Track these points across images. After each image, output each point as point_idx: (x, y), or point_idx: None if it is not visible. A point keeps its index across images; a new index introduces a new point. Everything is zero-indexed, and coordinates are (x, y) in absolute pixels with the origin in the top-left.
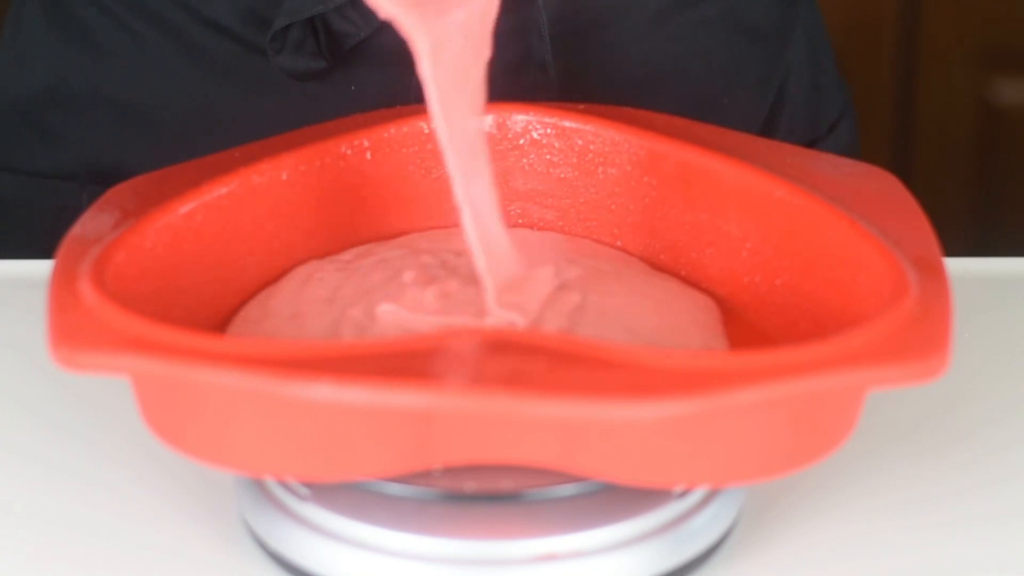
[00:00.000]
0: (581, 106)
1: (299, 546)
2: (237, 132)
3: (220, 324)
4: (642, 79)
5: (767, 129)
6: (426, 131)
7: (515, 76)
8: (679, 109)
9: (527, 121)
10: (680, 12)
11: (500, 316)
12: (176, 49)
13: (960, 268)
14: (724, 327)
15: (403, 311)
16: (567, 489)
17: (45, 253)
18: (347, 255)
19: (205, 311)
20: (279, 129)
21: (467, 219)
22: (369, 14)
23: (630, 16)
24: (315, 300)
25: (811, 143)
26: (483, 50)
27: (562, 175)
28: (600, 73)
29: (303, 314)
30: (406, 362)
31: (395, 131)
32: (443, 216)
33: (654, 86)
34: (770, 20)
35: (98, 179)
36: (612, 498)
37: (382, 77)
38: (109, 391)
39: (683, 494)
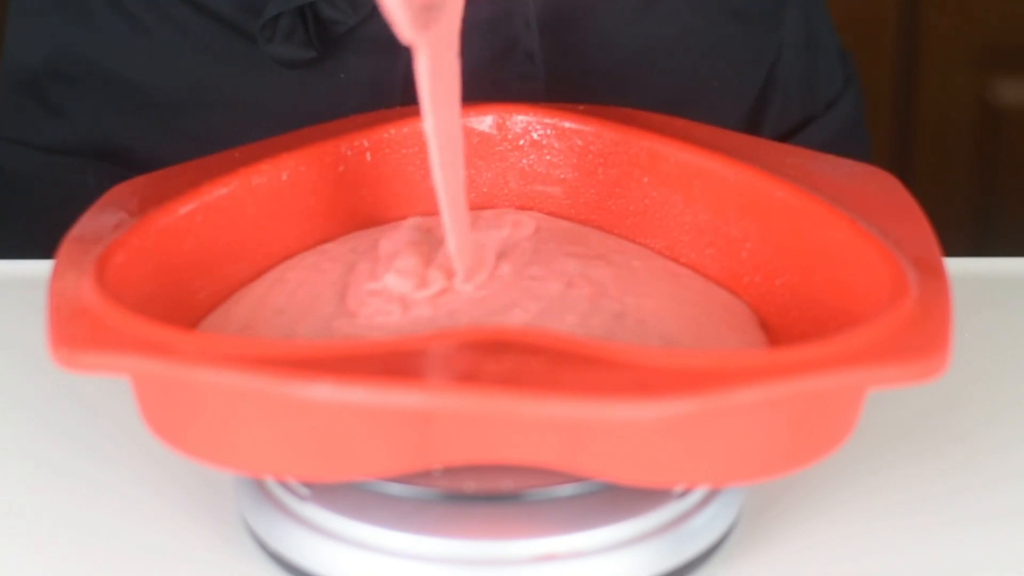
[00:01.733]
0: (581, 107)
1: (299, 546)
2: (231, 116)
3: None
4: (630, 64)
5: (757, 110)
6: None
7: (501, 65)
8: (667, 93)
9: (527, 122)
10: None
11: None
12: (171, 32)
13: (960, 268)
14: (761, 328)
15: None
16: (567, 489)
17: (51, 228)
18: (327, 245)
19: (205, 311)
20: (272, 113)
21: (444, 205)
22: (358, 2)
23: (616, 5)
24: (270, 309)
25: (807, 122)
26: (456, 50)
27: (562, 176)
28: (588, 60)
29: (253, 326)
30: (406, 362)
31: (395, 131)
32: None
33: (642, 71)
34: (760, 1)
35: (102, 155)
36: (612, 498)
37: (370, 64)
38: (109, 391)
39: (683, 494)
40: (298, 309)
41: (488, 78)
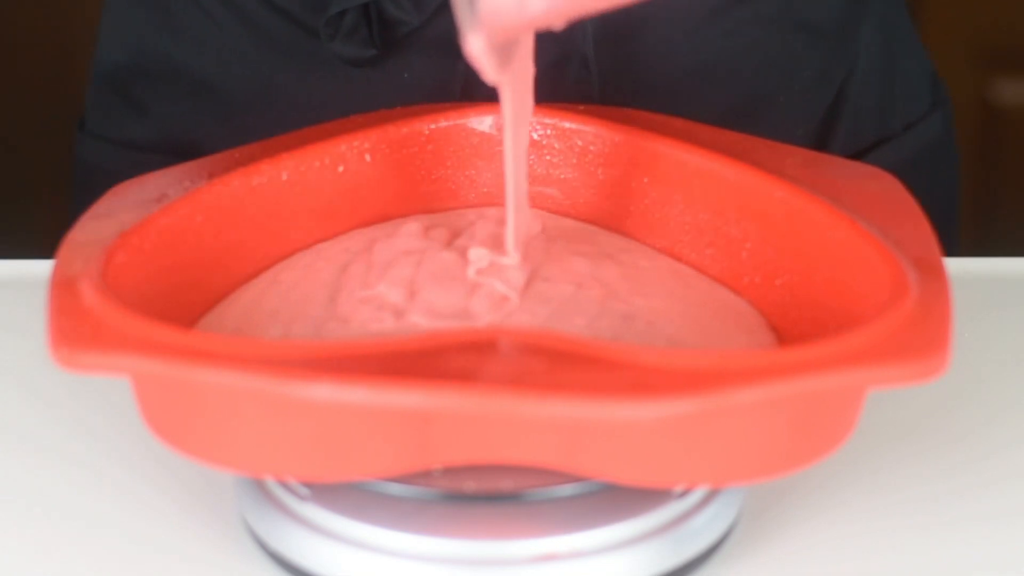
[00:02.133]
0: (581, 107)
1: (299, 546)
2: (298, 113)
3: None
4: (691, 76)
5: (826, 127)
6: (426, 132)
7: (558, 72)
8: (731, 106)
9: None
10: (736, 8)
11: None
12: (243, 29)
13: (960, 268)
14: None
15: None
16: (567, 489)
17: None
18: (322, 244)
19: (206, 311)
20: (337, 112)
21: (509, 195)
22: (422, 4)
23: (682, 13)
24: (263, 312)
25: (881, 142)
26: (531, 79)
27: (562, 176)
28: (646, 70)
29: (246, 329)
30: (406, 362)
31: (395, 132)
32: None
33: (703, 83)
34: (832, 17)
35: (180, 152)
36: (612, 498)
37: (433, 65)
38: (110, 391)
39: (683, 494)
40: (291, 312)
41: (544, 85)
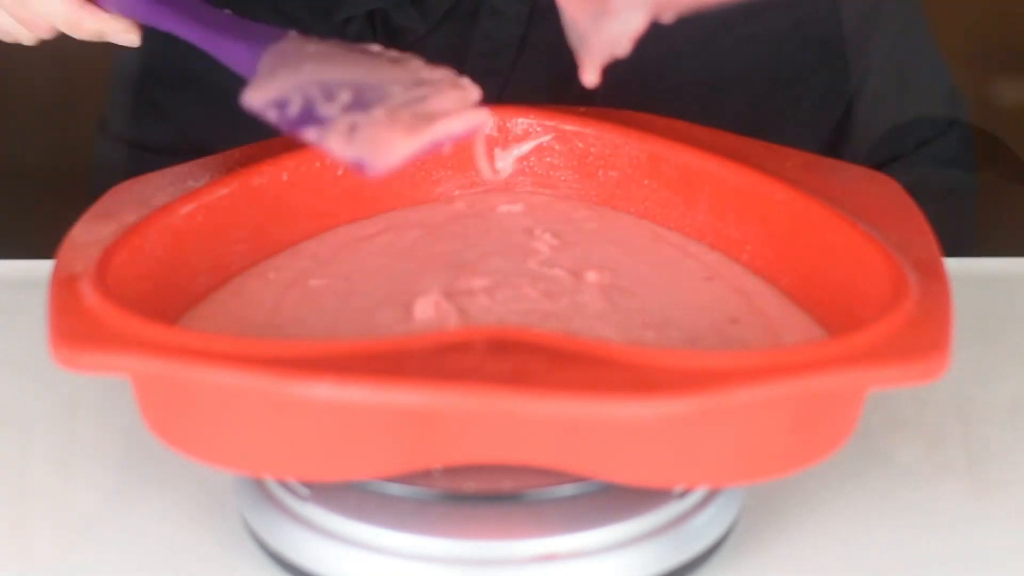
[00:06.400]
0: (581, 109)
1: (299, 546)
2: None
3: None
4: (697, 89)
5: (833, 143)
6: None
7: (566, 84)
8: (736, 120)
9: (528, 124)
10: (744, 23)
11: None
12: None
13: (960, 268)
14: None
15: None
16: (567, 489)
17: None
18: (301, 245)
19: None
20: None
21: None
22: (428, 11)
23: (689, 27)
24: (215, 326)
25: (891, 160)
26: None
27: (562, 177)
28: (651, 82)
29: None
30: (406, 362)
31: None
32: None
33: (710, 96)
34: (843, 34)
35: (194, 155)
36: (612, 498)
37: None
38: (113, 388)
39: (683, 494)
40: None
41: (547, 95)
